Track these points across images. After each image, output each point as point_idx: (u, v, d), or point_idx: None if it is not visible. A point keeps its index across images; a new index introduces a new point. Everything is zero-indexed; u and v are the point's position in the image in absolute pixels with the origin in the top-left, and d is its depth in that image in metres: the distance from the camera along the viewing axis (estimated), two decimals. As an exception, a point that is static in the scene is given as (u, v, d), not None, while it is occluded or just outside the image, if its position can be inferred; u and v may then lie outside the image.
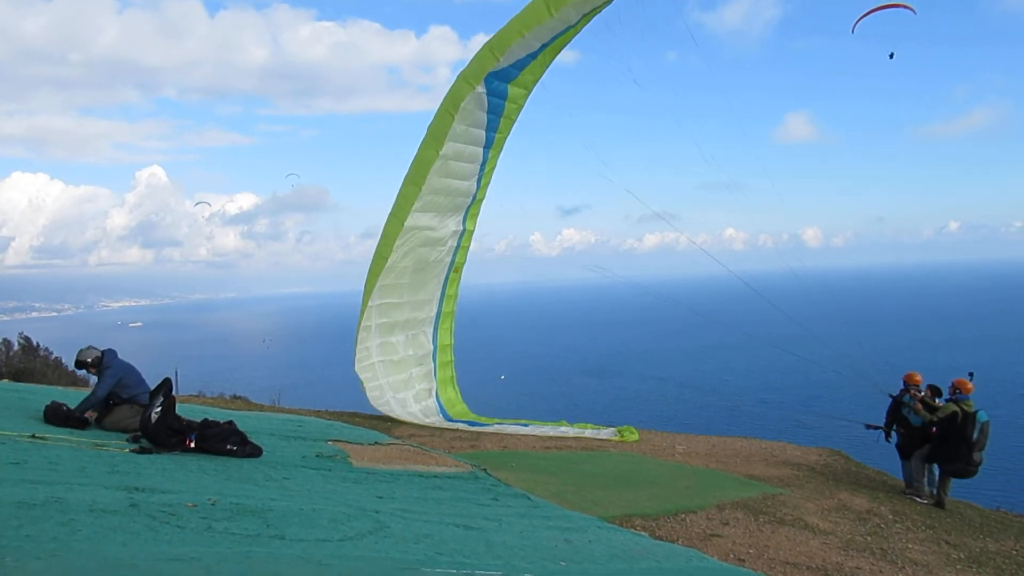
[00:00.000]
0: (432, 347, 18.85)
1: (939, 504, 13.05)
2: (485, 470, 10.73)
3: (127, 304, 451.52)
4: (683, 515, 10.46)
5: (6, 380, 17.95)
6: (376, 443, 11.70)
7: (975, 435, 12.68)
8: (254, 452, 8.93)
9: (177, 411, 8.90)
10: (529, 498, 9.10)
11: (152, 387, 9.56)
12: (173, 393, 9.06)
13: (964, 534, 11.35)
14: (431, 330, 18.64)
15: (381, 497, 7.67)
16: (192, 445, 8.50)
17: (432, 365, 18.92)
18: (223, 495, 6.37)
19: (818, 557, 9.15)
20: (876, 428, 14.20)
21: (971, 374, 13.42)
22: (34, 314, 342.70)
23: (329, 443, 10.92)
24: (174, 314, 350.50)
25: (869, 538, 10.38)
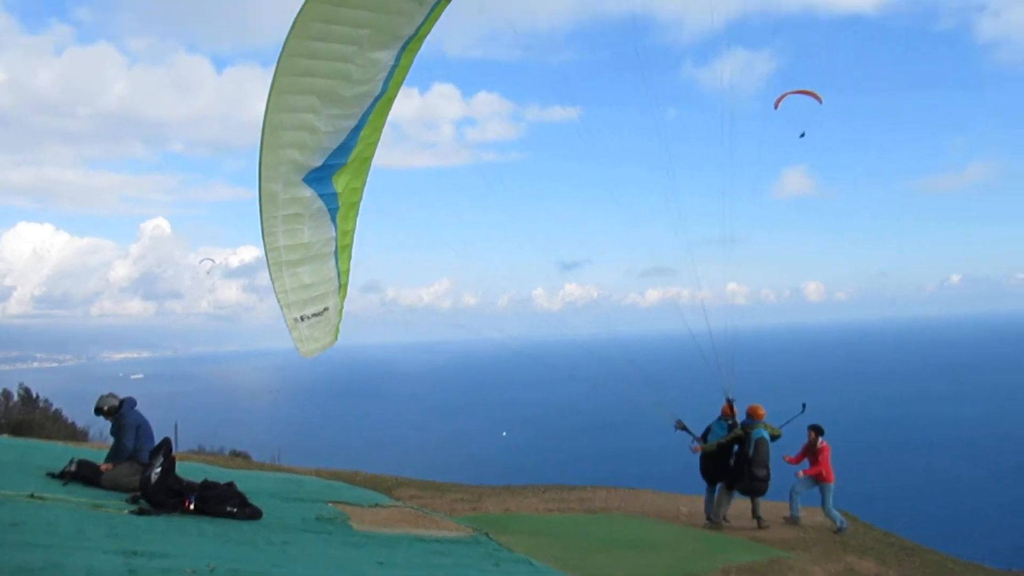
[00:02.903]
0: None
1: (757, 521, 14.12)
2: (487, 534, 10.58)
3: (129, 356, 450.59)
4: (689, 581, 10.28)
5: (5, 435, 17.84)
6: (377, 505, 11.57)
7: (751, 451, 13.65)
8: (254, 514, 8.84)
9: (177, 470, 8.84)
10: (531, 563, 8.95)
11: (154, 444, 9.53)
12: (173, 452, 9.01)
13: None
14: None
15: (382, 563, 7.56)
16: (191, 507, 8.42)
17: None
18: (222, 560, 6.28)
19: (827, 626, 8.95)
20: (687, 431, 14.50)
21: (804, 405, 14.60)
22: (35, 364, 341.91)
23: (329, 504, 10.81)
24: (175, 366, 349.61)
25: (878, 606, 10.17)
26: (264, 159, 8.51)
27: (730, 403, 14.37)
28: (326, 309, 10.60)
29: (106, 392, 10.08)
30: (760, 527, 14.11)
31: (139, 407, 10.48)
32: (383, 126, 9.85)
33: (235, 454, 25.05)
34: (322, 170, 9.41)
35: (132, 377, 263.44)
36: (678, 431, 14.50)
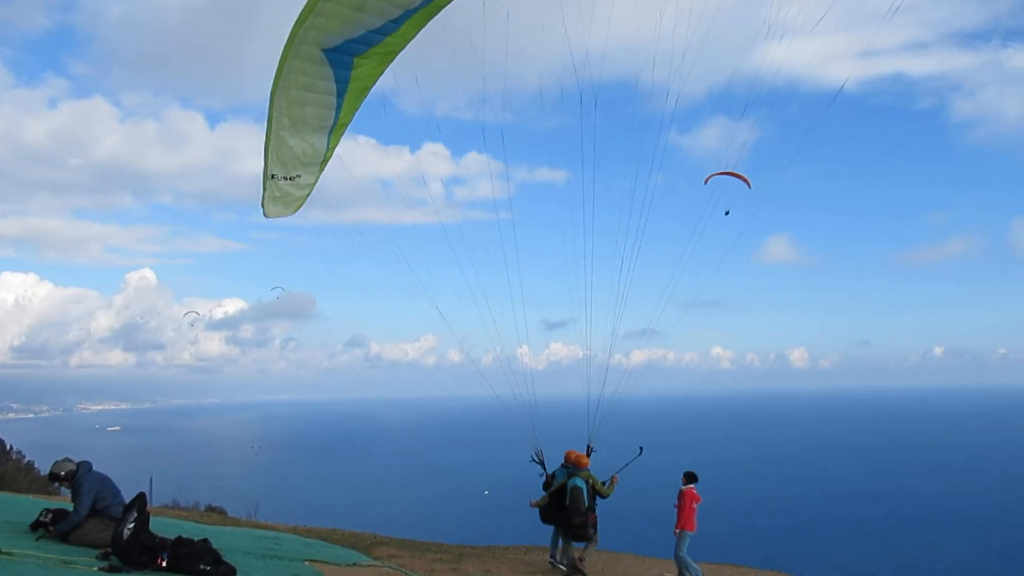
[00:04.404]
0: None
1: (573, 568, 14.14)
2: (466, 596, 10.35)
3: (107, 407, 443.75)
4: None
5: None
6: (355, 564, 11.32)
7: (568, 499, 14.01)
8: (228, 572, 8.61)
9: (151, 526, 8.63)
10: (511, 628, 8.74)
11: (125, 498, 9.29)
12: (147, 507, 8.81)
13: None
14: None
15: (357, 625, 7.36)
16: (164, 564, 8.20)
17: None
18: (193, 621, 6.10)
19: None
20: (540, 464, 14.89)
21: (640, 449, 14.82)
22: (11, 415, 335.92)
23: (306, 563, 10.56)
24: (154, 419, 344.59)
25: None
26: (297, 25, 9.28)
27: (588, 451, 14.75)
28: (298, 176, 11.12)
29: (61, 457, 9.78)
30: (555, 566, 14.43)
31: (117, 461, 10.26)
32: (414, 36, 10.31)
33: (210, 509, 24.55)
34: (345, 53, 10.03)
35: (109, 429, 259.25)
36: (532, 463, 14.95)
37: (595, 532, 14.38)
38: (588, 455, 14.69)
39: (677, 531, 14.79)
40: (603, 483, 14.43)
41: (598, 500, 14.40)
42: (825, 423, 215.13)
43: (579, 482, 14.15)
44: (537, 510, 14.78)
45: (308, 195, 11.62)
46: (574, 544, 14.55)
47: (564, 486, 14.30)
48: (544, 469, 14.90)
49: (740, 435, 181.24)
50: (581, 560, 14.40)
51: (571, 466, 14.41)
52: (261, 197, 10.99)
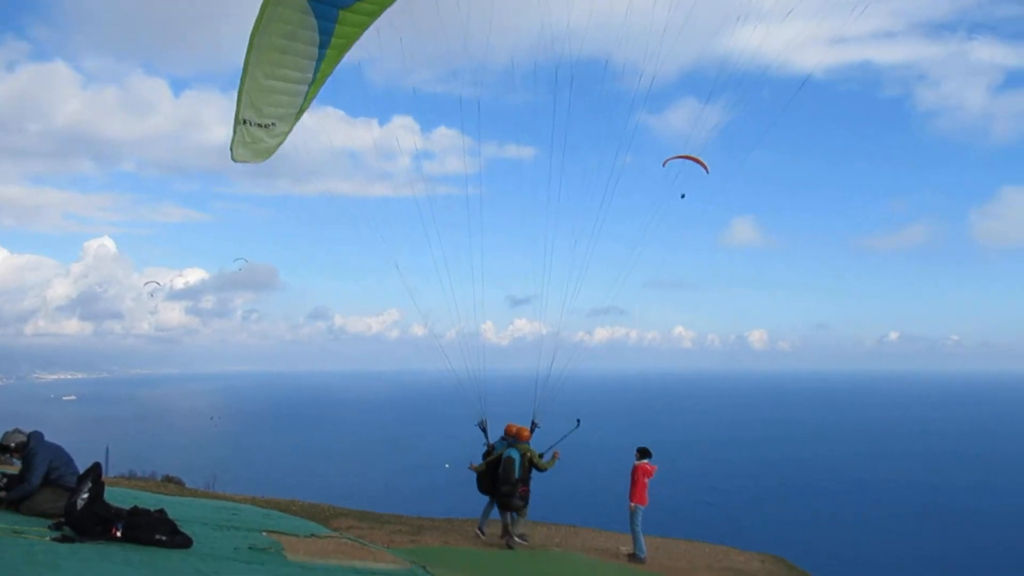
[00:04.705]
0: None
1: (505, 533, 14.88)
2: (424, 567, 10.43)
3: (62, 377, 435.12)
4: (625, 622, 10.24)
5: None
6: (313, 535, 11.32)
7: (500, 469, 14.59)
8: (184, 543, 8.56)
9: (105, 496, 8.53)
10: (468, 600, 8.84)
11: (80, 468, 9.17)
12: (103, 477, 8.70)
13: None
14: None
15: (314, 596, 7.38)
16: (119, 534, 8.12)
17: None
18: (147, 590, 6.07)
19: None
20: (483, 433, 15.47)
21: (578, 421, 15.14)
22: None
23: (264, 534, 10.53)
24: (111, 388, 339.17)
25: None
26: None
27: (532, 427, 15.22)
28: (272, 125, 10.93)
29: (11, 428, 9.61)
30: (508, 545, 14.78)
31: (72, 431, 10.09)
32: None
33: (168, 480, 24.34)
34: (331, 5, 9.99)
35: (64, 399, 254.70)
36: (478, 427, 15.46)
37: (524, 504, 14.86)
38: (532, 431, 15.11)
39: (632, 505, 15.11)
40: (541, 455, 14.84)
41: (536, 475, 14.82)
42: (782, 405, 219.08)
43: (513, 453, 14.67)
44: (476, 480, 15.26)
45: (280, 144, 11.40)
46: (509, 514, 15.04)
47: (500, 456, 14.82)
48: (487, 439, 15.38)
49: (699, 414, 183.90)
50: (512, 535, 14.88)
51: (511, 438, 14.90)
52: (230, 140, 10.75)
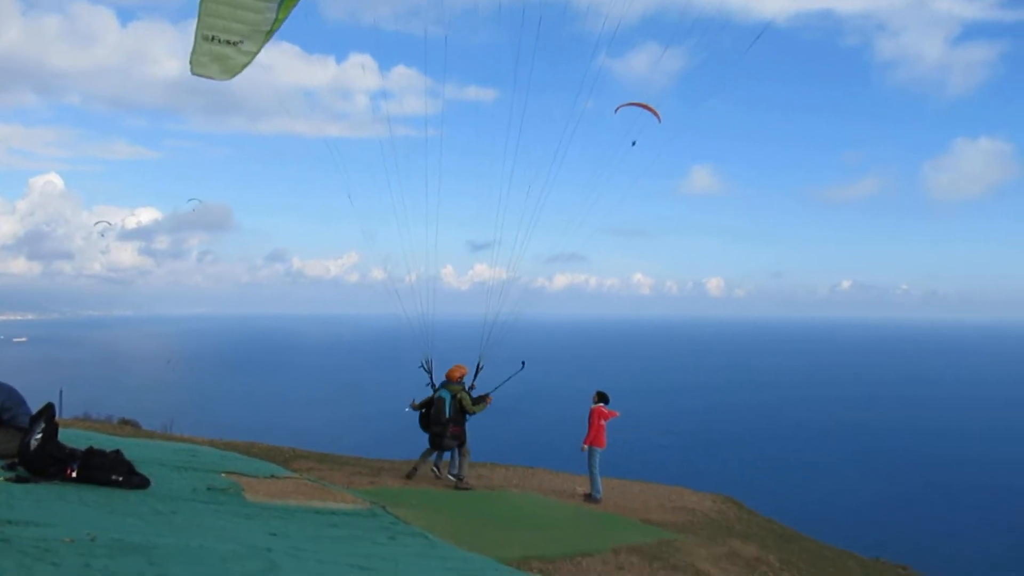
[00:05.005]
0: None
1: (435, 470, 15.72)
2: (384, 507, 10.54)
3: (11, 317, 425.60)
4: (580, 558, 10.52)
5: None
6: (272, 476, 11.35)
7: (432, 410, 15.19)
8: (141, 483, 8.51)
9: (60, 437, 8.42)
10: (427, 537, 8.98)
11: (33, 410, 9.02)
12: (56, 418, 8.58)
13: (845, 583, 11.81)
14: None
15: (274, 534, 7.43)
16: (74, 475, 8.04)
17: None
18: (104, 530, 6.04)
19: (708, 604, 9.34)
20: (428, 373, 15.89)
21: (523, 363, 15.32)
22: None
23: (223, 475, 10.52)
24: (62, 330, 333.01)
25: (757, 585, 10.66)
26: None
27: (478, 368, 15.66)
28: (240, 42, 10.30)
29: None
30: (437, 477, 15.58)
31: (24, 373, 9.91)
32: None
33: (124, 422, 24.11)
34: None
35: (14, 340, 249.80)
36: (421, 368, 15.97)
37: (460, 445, 15.26)
38: (477, 372, 15.56)
39: (585, 447, 15.45)
40: (475, 398, 15.24)
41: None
42: (737, 352, 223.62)
43: (444, 393, 15.15)
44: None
45: (248, 63, 10.81)
46: (445, 456, 15.76)
47: (432, 398, 15.35)
48: (431, 379, 15.73)
49: (656, 360, 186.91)
50: (438, 471, 15.64)
51: (446, 379, 15.38)
52: (190, 55, 10.13)
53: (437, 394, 15.30)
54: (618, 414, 16.01)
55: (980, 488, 59.32)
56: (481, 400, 15.35)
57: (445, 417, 15.04)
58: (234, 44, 10.14)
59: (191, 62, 10.22)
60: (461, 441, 15.29)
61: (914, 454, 72.92)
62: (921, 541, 42.60)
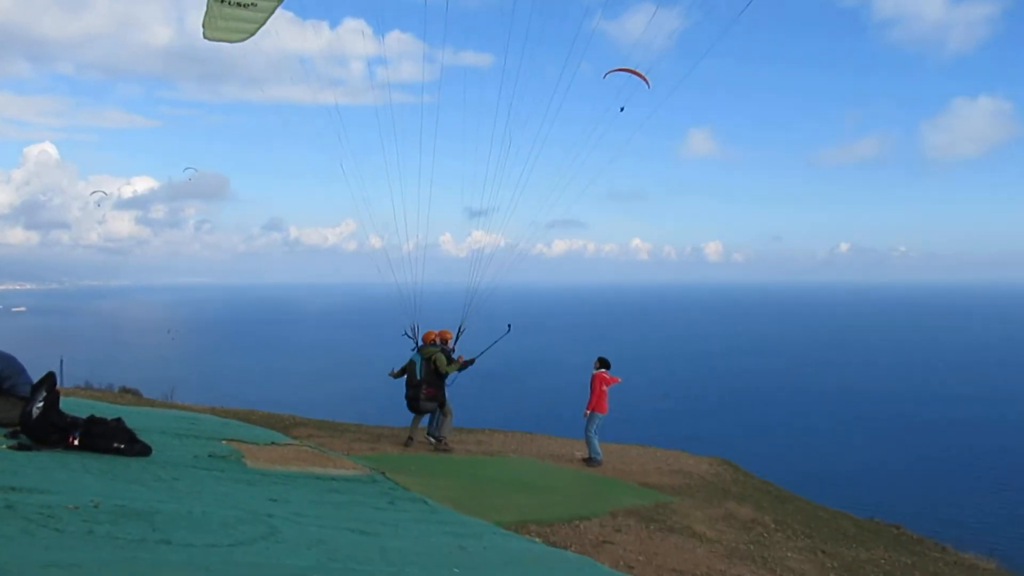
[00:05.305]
0: None
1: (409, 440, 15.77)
2: (383, 473, 10.66)
3: (9, 287, 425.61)
4: (577, 522, 10.67)
5: None
6: (273, 443, 11.45)
7: (405, 375, 15.44)
8: (143, 451, 8.60)
9: (61, 406, 8.49)
10: (426, 503, 9.10)
11: (33, 379, 9.07)
12: (57, 387, 8.63)
13: (839, 543, 11.99)
14: None
15: (275, 500, 7.53)
16: (76, 443, 8.12)
17: None
18: (107, 496, 6.13)
19: (703, 565, 9.50)
20: (412, 339, 15.93)
21: (509, 326, 15.49)
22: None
23: (223, 442, 10.62)
24: (62, 300, 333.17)
25: (752, 547, 10.83)
26: None
27: (459, 331, 15.91)
28: (255, 4, 10.40)
29: None
30: (406, 444, 15.61)
31: (25, 343, 9.95)
32: None
33: (125, 391, 24.25)
34: None
35: (14, 310, 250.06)
36: (405, 335, 16.06)
37: (438, 406, 15.42)
38: (459, 335, 15.78)
39: (587, 412, 15.58)
40: (451, 360, 15.33)
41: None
42: (735, 317, 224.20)
43: (416, 357, 15.35)
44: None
45: (264, 21, 10.64)
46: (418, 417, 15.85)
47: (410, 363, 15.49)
48: (416, 344, 15.82)
49: (655, 326, 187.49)
50: (438, 439, 15.58)
51: (421, 342, 15.59)
52: (202, 18, 10.04)
53: (410, 358, 15.51)
54: (620, 380, 16.15)
55: (973, 449, 59.91)
56: (455, 361, 15.41)
57: (416, 379, 15.22)
58: (246, 6, 10.08)
59: (204, 25, 10.13)
60: (440, 402, 15.41)
61: (909, 417, 73.44)
62: (915, 502, 43.09)
